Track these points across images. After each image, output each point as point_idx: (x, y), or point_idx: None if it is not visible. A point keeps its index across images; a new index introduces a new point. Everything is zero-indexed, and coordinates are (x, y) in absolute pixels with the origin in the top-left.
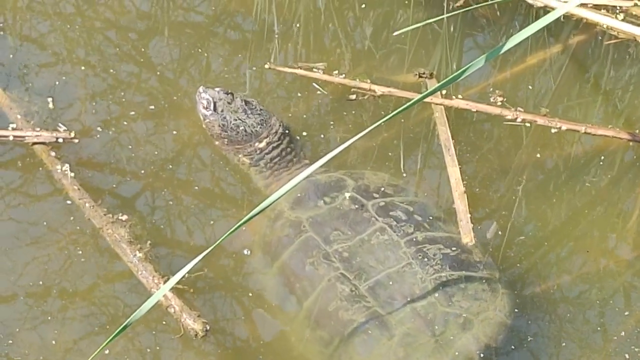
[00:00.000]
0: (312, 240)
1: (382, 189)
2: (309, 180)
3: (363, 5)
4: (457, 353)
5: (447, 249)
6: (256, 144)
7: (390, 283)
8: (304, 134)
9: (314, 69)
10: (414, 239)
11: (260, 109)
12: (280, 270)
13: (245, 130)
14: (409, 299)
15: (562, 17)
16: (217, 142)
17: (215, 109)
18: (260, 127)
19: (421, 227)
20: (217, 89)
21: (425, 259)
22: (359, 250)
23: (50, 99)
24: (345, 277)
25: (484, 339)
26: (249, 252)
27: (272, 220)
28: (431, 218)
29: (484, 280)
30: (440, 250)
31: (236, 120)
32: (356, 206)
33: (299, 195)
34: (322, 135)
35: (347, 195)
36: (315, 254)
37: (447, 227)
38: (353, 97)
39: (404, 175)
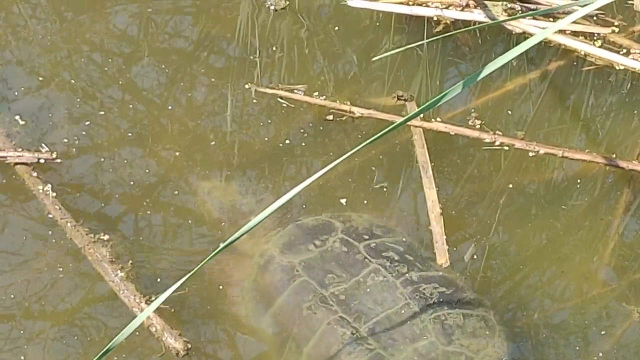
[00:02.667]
0: (307, 284)
1: (371, 230)
2: (296, 224)
3: (342, 31)
4: None
5: (443, 287)
6: None
7: (390, 324)
8: (284, 158)
9: (295, 91)
10: (409, 279)
11: None
12: (276, 315)
13: None
14: (409, 340)
15: (541, 43)
16: None
17: None
18: None
19: (414, 266)
20: None
21: (423, 299)
22: (356, 292)
23: (32, 120)
24: (345, 319)
25: None
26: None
27: (262, 266)
28: (422, 257)
29: (480, 318)
30: (436, 289)
31: None
32: (347, 248)
33: (287, 239)
34: (303, 159)
35: (337, 237)
36: (312, 298)
37: (438, 266)
38: (330, 117)
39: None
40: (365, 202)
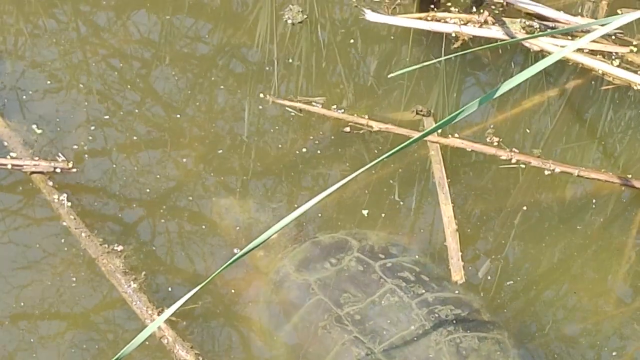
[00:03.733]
0: (322, 303)
1: (387, 249)
2: (312, 241)
3: (360, 44)
4: None
5: (458, 309)
6: None
7: (405, 346)
8: (301, 169)
9: (313, 103)
10: (425, 300)
11: None
12: (291, 333)
13: None
14: None
15: (559, 61)
16: None
17: None
18: None
19: (430, 287)
20: None
21: (438, 321)
22: (371, 312)
23: (49, 128)
24: (360, 340)
25: None
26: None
27: (278, 283)
28: (438, 278)
29: (495, 341)
30: (452, 311)
31: None
32: (363, 267)
33: (303, 256)
34: (319, 170)
35: (353, 256)
36: (327, 317)
37: (454, 287)
38: (347, 129)
39: (398, 204)
40: (383, 215)
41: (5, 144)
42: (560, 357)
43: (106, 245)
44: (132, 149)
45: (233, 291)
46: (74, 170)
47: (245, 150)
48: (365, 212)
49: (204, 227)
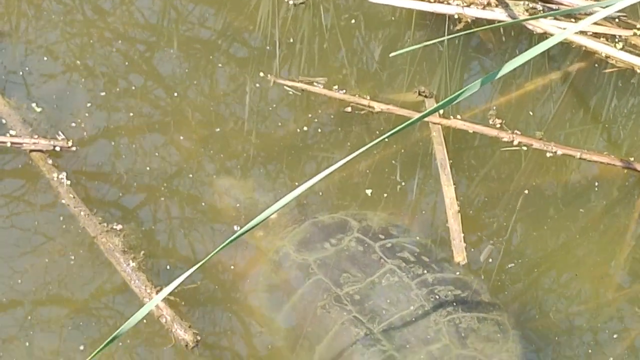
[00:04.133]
0: (322, 282)
1: (387, 229)
2: (312, 222)
3: (363, 25)
4: None
5: (458, 290)
6: None
7: (404, 326)
8: (302, 151)
9: (315, 83)
10: (425, 281)
11: None
12: (290, 313)
13: None
14: (423, 342)
15: (563, 44)
16: None
17: None
18: None
19: (430, 268)
20: None
21: (438, 301)
22: (370, 292)
23: (50, 107)
24: (359, 320)
25: None
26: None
27: (277, 262)
28: (438, 259)
29: (494, 322)
30: (451, 292)
31: None
32: (363, 248)
33: (303, 237)
34: (320, 151)
35: (353, 236)
36: (326, 297)
37: (454, 268)
38: (348, 109)
39: (400, 185)
40: (384, 196)
41: (5, 122)
42: (560, 339)
43: (105, 224)
44: (133, 130)
45: (233, 272)
46: (74, 148)
47: (247, 131)
48: (369, 191)
49: (204, 207)
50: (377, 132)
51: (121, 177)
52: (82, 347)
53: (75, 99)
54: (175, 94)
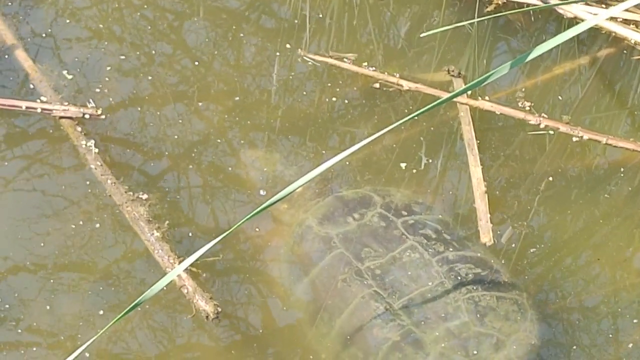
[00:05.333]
0: (343, 256)
1: (410, 206)
2: (336, 196)
3: (393, 3)
4: None
5: (478, 268)
6: None
7: (424, 302)
8: (328, 126)
9: (345, 59)
10: (446, 258)
11: None
12: (311, 285)
13: None
14: (442, 318)
15: (592, 29)
16: None
17: None
18: None
19: (451, 246)
20: None
21: (458, 279)
22: (391, 268)
23: (80, 74)
24: (379, 294)
25: None
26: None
27: (300, 235)
28: (459, 237)
29: (513, 301)
30: (472, 270)
31: None
32: (385, 223)
33: (326, 210)
34: (347, 127)
35: (376, 212)
36: (347, 271)
37: (475, 247)
38: (377, 85)
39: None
40: (409, 174)
41: (36, 88)
42: (579, 323)
43: (131, 193)
44: (160, 100)
45: (256, 243)
46: (103, 117)
47: (272, 103)
48: (403, 164)
49: (228, 178)
50: (404, 110)
51: (148, 146)
52: (101, 312)
53: (103, 67)
54: (202, 64)
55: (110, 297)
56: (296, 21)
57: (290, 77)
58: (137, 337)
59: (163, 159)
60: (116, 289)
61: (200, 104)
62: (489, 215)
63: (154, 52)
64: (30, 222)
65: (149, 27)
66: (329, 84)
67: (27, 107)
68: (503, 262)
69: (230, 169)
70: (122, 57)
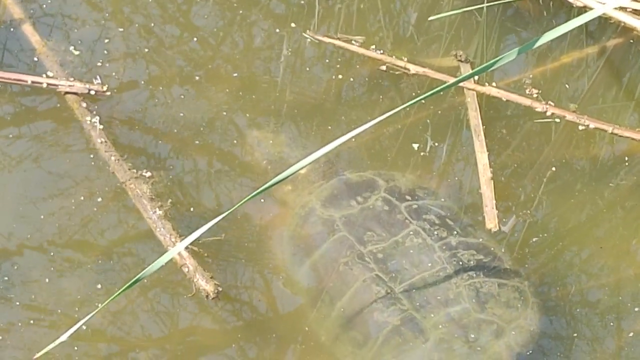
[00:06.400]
0: (345, 239)
1: (414, 191)
2: (340, 179)
3: None
4: None
5: (481, 255)
6: None
7: (425, 287)
8: (335, 110)
9: (353, 42)
10: (448, 244)
11: None
12: (313, 268)
13: None
14: (443, 304)
15: (601, 19)
16: None
17: None
18: None
19: (454, 231)
20: None
21: (460, 265)
22: (394, 252)
23: (87, 51)
24: (381, 278)
25: (517, 348)
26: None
27: (303, 217)
28: (463, 223)
29: (515, 289)
30: (474, 257)
31: None
32: (389, 208)
33: (330, 193)
34: (353, 110)
35: (380, 196)
36: (349, 254)
37: (478, 234)
38: (384, 67)
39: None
40: (414, 159)
41: (43, 63)
42: (580, 312)
43: (135, 171)
44: (167, 81)
45: (259, 225)
46: (108, 93)
47: (280, 86)
48: (415, 145)
49: (233, 160)
50: (411, 94)
51: (153, 125)
52: (102, 290)
53: (111, 46)
54: (209, 47)
55: (111, 275)
56: (305, 6)
57: (298, 60)
58: (137, 318)
59: (168, 139)
60: (117, 267)
61: (207, 85)
62: (494, 202)
63: (162, 33)
64: (33, 199)
65: (158, 9)
66: (336, 67)
67: (32, 82)
68: (506, 249)
69: (235, 150)
70: (130, 37)
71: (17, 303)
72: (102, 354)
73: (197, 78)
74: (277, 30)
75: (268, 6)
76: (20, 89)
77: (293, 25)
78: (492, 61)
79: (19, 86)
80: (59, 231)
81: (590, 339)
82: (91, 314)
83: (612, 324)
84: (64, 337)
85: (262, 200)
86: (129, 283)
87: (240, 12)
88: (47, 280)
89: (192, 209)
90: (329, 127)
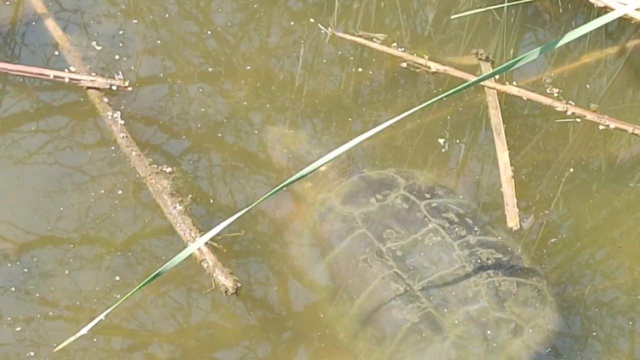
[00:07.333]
0: (365, 236)
1: (433, 189)
2: (359, 176)
3: None
4: (507, 358)
5: (499, 254)
6: None
7: (444, 285)
8: (354, 108)
9: (374, 39)
10: (467, 242)
11: None
12: (331, 264)
13: None
14: (462, 302)
15: (621, 19)
16: None
17: None
18: None
19: (473, 230)
20: None
21: (479, 263)
22: (413, 250)
23: (109, 47)
24: (400, 276)
25: (535, 347)
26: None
27: (322, 214)
28: (482, 222)
29: (533, 288)
30: (493, 255)
31: None
32: (408, 205)
33: (350, 190)
34: (373, 107)
35: (399, 193)
36: (368, 251)
37: (497, 232)
38: (404, 64)
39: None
40: (442, 152)
41: (64, 57)
42: (597, 313)
43: (155, 166)
44: (186, 78)
45: (278, 221)
46: (130, 89)
47: (299, 82)
48: (441, 140)
49: (253, 158)
50: (435, 91)
51: (173, 121)
52: (117, 278)
53: (131, 42)
54: (228, 44)
55: (130, 269)
56: (324, 2)
57: (317, 57)
58: (153, 313)
59: (188, 135)
60: (136, 261)
61: (225, 81)
62: (515, 200)
63: (180, 30)
64: (53, 193)
65: (176, 6)
66: (356, 65)
67: (55, 76)
68: (524, 249)
69: (254, 146)
70: (152, 34)
71: (37, 295)
72: (119, 347)
73: (215, 74)
74: (296, 29)
75: (287, 3)
76: (41, 84)
77: (313, 25)
78: (513, 60)
79: (39, 81)
80: (79, 225)
81: (606, 338)
82: (111, 308)
83: (630, 323)
84: (84, 331)
85: (282, 198)
86: (149, 277)
87: (258, 8)
88: (66, 273)
89: (211, 205)
90: (348, 125)
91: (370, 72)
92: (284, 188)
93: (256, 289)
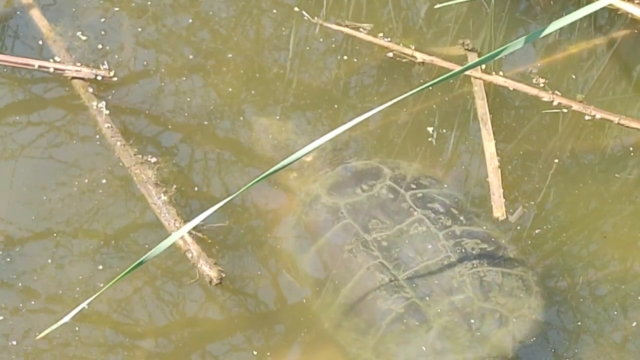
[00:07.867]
0: (350, 227)
1: (419, 180)
2: (345, 166)
3: None
4: (492, 348)
5: (485, 244)
6: None
7: (429, 275)
8: (342, 99)
9: (361, 29)
10: (453, 232)
11: None
12: (317, 255)
13: None
14: (446, 292)
15: (610, 11)
16: None
17: None
18: None
19: (458, 220)
20: None
21: (464, 253)
22: (398, 240)
23: (94, 37)
24: (385, 266)
25: (519, 337)
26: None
27: (308, 204)
28: (468, 212)
29: (519, 278)
30: (478, 245)
31: None
32: (394, 196)
33: (335, 181)
34: (360, 97)
35: (385, 184)
36: (353, 242)
37: (483, 223)
38: (390, 54)
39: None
40: (429, 141)
41: (49, 47)
42: (584, 302)
43: (140, 156)
44: (175, 69)
45: (264, 213)
46: (115, 78)
47: (289, 74)
48: (430, 129)
49: (240, 149)
50: (421, 81)
51: (160, 112)
52: (100, 267)
53: (116, 32)
54: (218, 36)
55: (115, 259)
56: None
57: (306, 48)
58: (141, 305)
59: (174, 125)
60: (121, 251)
61: (213, 72)
62: (502, 190)
63: (170, 21)
64: (39, 184)
65: None
66: (344, 56)
67: (39, 66)
68: (511, 239)
69: (242, 137)
70: (138, 25)
71: (20, 284)
72: (102, 337)
73: (201, 64)
74: (286, 19)
75: None
76: (27, 75)
77: (302, 15)
78: (499, 49)
79: (26, 72)
80: (62, 215)
81: (595, 329)
82: (94, 296)
83: (616, 313)
84: (66, 319)
85: (268, 188)
86: (132, 266)
87: (250, 2)
88: (50, 263)
89: (197, 195)
90: (337, 115)
91: (361, 64)
92: (270, 179)
93: (244, 279)
